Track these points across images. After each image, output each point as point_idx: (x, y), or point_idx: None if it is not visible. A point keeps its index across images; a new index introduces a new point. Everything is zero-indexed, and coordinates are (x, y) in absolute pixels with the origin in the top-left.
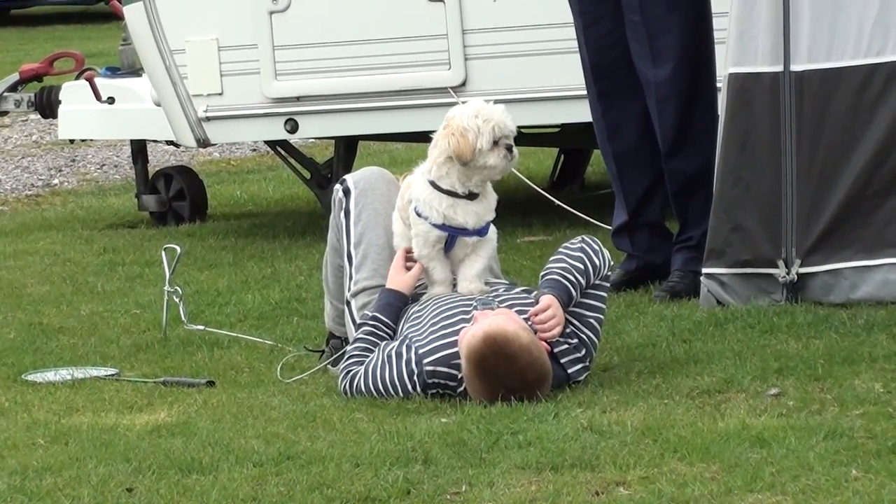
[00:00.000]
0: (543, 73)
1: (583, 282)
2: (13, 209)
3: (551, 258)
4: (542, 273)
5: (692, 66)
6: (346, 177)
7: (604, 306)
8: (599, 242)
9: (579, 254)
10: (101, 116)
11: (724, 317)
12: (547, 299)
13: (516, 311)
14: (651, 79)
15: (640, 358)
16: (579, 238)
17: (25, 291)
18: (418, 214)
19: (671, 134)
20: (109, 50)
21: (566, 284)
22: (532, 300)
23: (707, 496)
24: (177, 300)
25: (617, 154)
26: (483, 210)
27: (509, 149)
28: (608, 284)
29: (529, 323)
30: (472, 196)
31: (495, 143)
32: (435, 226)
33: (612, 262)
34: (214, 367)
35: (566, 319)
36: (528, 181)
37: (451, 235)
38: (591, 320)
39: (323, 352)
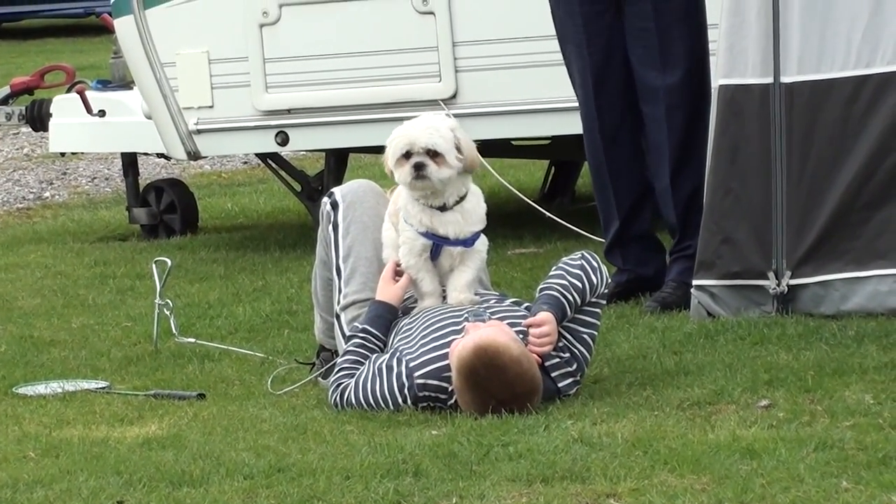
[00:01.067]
0: (534, 84)
1: (578, 300)
2: (4, 222)
3: (551, 272)
4: (540, 286)
5: (699, 74)
6: (334, 189)
7: (598, 323)
8: (599, 259)
9: (578, 271)
10: (91, 129)
11: (715, 328)
12: (544, 316)
13: (508, 324)
14: (660, 85)
15: (631, 370)
16: (580, 254)
17: (16, 304)
18: (406, 222)
19: (680, 141)
20: (100, 63)
21: (563, 303)
22: (523, 312)
23: None
24: (167, 313)
25: (611, 166)
26: (462, 220)
27: (416, 166)
28: (604, 302)
29: (521, 336)
30: (442, 208)
31: (406, 157)
32: (420, 234)
33: (609, 280)
34: (205, 379)
35: (559, 333)
36: (518, 193)
37: (436, 244)
38: (585, 336)
39: (313, 364)
